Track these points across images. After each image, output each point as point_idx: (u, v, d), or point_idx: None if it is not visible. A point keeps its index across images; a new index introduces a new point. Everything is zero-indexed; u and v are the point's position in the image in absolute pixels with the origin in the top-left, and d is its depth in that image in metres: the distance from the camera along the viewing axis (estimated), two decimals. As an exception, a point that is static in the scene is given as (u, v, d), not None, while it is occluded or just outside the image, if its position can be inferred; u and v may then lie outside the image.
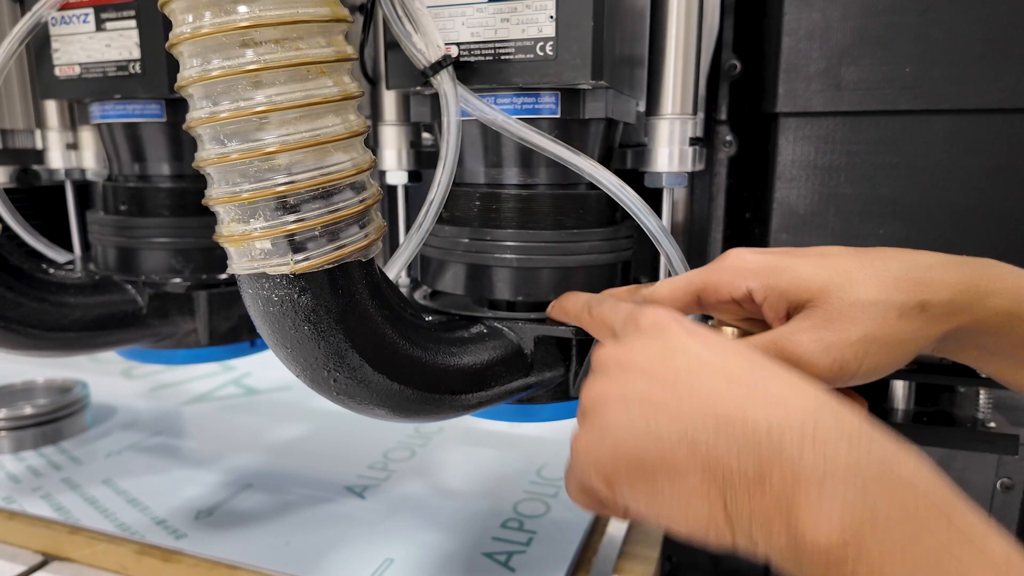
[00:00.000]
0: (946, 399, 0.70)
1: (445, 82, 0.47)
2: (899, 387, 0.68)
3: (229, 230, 0.39)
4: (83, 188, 0.80)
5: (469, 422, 0.55)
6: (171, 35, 0.38)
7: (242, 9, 0.36)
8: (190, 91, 0.38)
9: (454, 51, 0.48)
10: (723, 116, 0.69)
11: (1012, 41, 0.53)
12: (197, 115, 0.38)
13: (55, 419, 1.00)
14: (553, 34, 0.46)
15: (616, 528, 0.79)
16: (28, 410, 0.98)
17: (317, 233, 0.39)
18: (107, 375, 1.25)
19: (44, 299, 0.57)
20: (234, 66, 0.36)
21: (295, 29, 0.37)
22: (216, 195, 0.39)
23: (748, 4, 0.65)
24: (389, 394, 0.45)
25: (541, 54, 0.47)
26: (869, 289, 0.40)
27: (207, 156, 0.38)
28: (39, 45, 0.63)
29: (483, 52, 0.48)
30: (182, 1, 0.37)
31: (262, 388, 1.22)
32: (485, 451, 0.96)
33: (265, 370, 1.28)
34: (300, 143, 0.37)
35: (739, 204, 0.69)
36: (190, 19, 0.37)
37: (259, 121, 0.37)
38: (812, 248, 0.45)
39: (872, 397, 0.69)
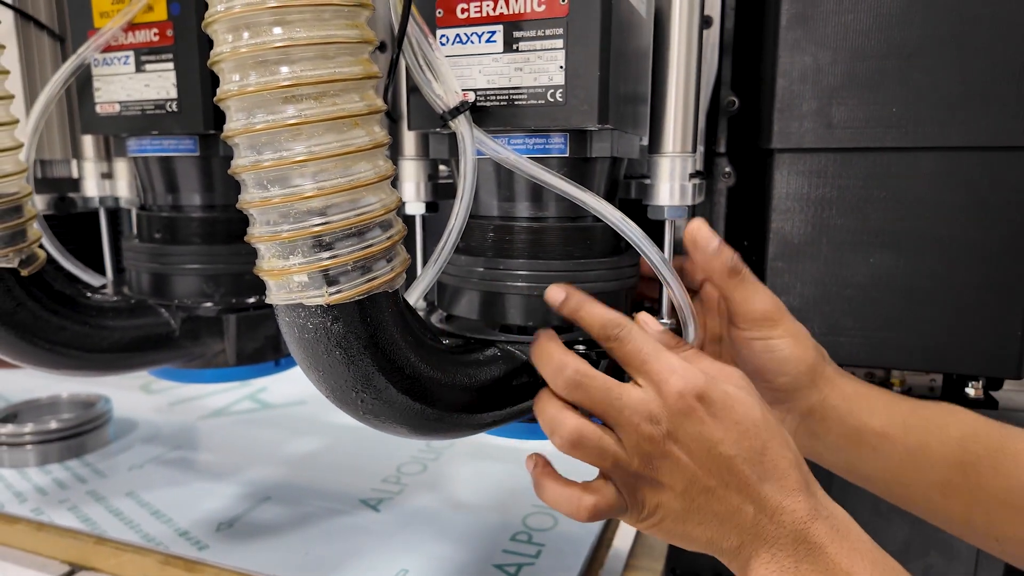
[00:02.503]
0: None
1: (462, 125, 0.51)
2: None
3: (270, 265, 0.43)
4: (114, 214, 0.84)
5: (479, 437, 0.58)
6: (219, 91, 0.42)
7: (284, 70, 0.40)
8: (236, 141, 0.42)
9: (471, 97, 0.52)
10: (722, 149, 0.72)
11: (990, 84, 0.56)
12: (242, 163, 0.42)
13: (79, 433, 1.03)
14: (563, 82, 0.50)
15: (622, 541, 0.82)
16: (53, 424, 1.01)
17: (349, 268, 0.43)
18: (127, 390, 1.28)
19: (85, 322, 0.61)
20: (277, 120, 0.40)
21: (332, 87, 0.40)
22: (258, 234, 0.43)
23: (745, 46, 0.69)
24: (411, 414, 0.49)
25: (551, 100, 0.51)
26: None
27: (251, 199, 0.42)
28: (81, 84, 0.67)
29: (498, 98, 0.52)
30: (230, 61, 0.41)
31: (277, 403, 1.25)
32: (494, 465, 0.99)
33: (280, 384, 1.30)
34: (335, 188, 0.41)
35: (738, 233, 0.72)
36: (237, 78, 0.41)
37: (299, 169, 0.41)
38: None
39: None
